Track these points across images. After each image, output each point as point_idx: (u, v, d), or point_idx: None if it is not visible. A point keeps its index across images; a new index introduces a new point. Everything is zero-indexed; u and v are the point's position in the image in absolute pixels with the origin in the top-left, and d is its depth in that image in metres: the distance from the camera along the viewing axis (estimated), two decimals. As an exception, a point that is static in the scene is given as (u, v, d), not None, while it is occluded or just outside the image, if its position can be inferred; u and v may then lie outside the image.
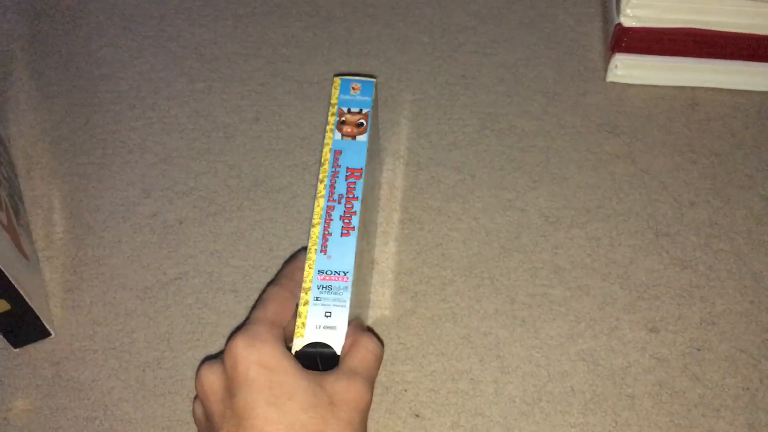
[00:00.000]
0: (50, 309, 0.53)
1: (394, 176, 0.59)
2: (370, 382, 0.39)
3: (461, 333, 0.52)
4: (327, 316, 0.41)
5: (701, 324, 0.52)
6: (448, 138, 0.61)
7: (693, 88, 0.64)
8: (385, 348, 0.51)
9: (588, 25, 0.69)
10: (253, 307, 0.42)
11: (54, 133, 0.62)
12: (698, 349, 0.51)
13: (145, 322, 0.53)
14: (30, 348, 0.52)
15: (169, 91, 0.65)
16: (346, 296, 0.41)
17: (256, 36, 0.68)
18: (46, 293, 0.54)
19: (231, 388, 0.37)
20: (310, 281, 0.42)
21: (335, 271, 0.42)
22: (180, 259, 0.55)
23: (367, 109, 0.49)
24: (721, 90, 0.64)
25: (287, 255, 0.55)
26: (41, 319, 0.50)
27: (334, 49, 0.67)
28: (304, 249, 0.43)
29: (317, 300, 0.41)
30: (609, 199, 0.58)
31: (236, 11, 0.70)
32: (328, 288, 0.42)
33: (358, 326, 0.43)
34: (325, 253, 0.43)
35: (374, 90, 0.49)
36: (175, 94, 0.65)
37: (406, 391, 0.50)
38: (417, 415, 0.49)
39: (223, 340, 0.52)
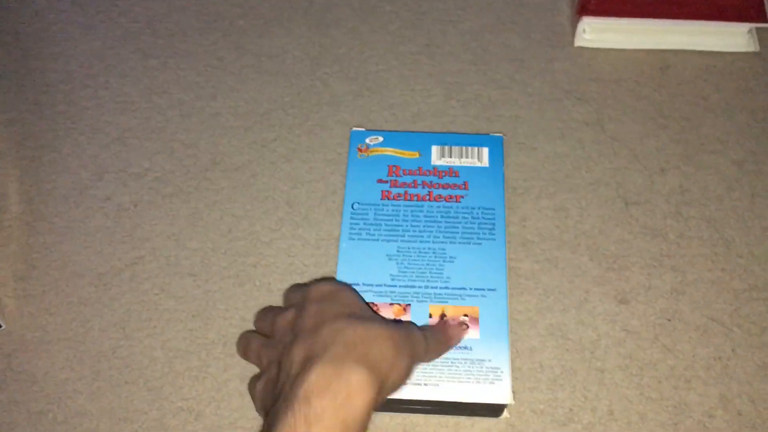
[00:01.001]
0: (0, 299, 0.51)
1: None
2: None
3: (427, 311, 0.50)
4: None
5: (672, 294, 0.51)
6: (412, 109, 0.59)
7: (663, 51, 0.62)
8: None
9: (556, -12, 0.66)
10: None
11: (2, 116, 0.60)
12: (669, 320, 0.50)
13: (100, 310, 0.51)
14: (-20, 341, 0.50)
15: (121, 68, 0.62)
16: None
17: (212, 8, 0.66)
18: (-4, 283, 0.52)
19: (307, 308, 0.41)
20: None
21: None
22: (135, 244, 0.53)
23: None
24: (691, 52, 0.62)
25: (246, 236, 0.53)
26: (-10, 310, 0.48)
27: (294, 19, 0.65)
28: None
29: None
30: (578, 168, 0.56)
31: (191, -17, 0.67)
32: None
33: None
34: None
35: None
36: (128, 71, 0.62)
37: (370, 372, 0.48)
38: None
39: (182, 326, 0.50)
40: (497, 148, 0.53)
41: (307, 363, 0.37)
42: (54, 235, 0.54)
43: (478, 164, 0.52)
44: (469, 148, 0.53)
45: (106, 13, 0.66)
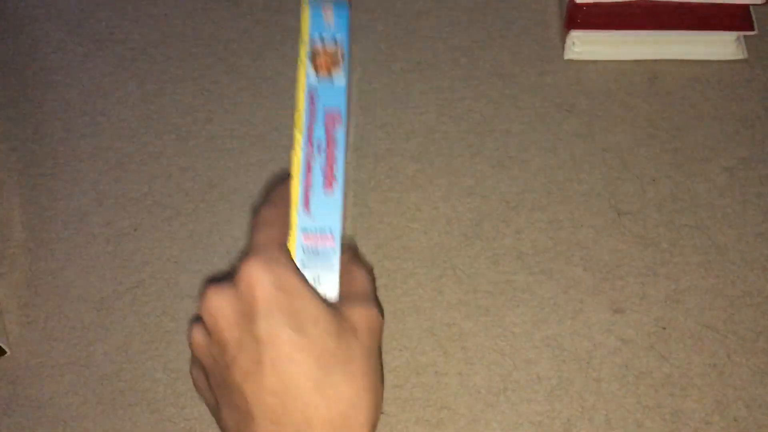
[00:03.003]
0: (5, 326, 0.52)
1: (350, 169, 0.58)
2: (378, 304, 0.37)
3: (424, 326, 0.51)
4: (315, 282, 0.37)
5: (666, 302, 0.51)
6: (405, 127, 0.60)
7: (652, 62, 0.63)
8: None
9: (544, 2, 0.67)
10: (253, 231, 0.38)
11: (2, 146, 0.61)
12: (664, 328, 0.50)
13: (103, 334, 0.52)
14: (-15, 368, 0.51)
15: (119, 95, 0.63)
16: (335, 259, 0.37)
17: (206, 33, 0.67)
18: (0, 310, 0.53)
19: (249, 314, 0.32)
20: (294, 243, 0.37)
21: (320, 230, 0.37)
22: (136, 267, 0.54)
23: (342, 36, 0.41)
24: (680, 61, 0.63)
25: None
26: (-6, 337, 0.49)
27: (287, 42, 0.66)
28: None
29: (304, 266, 0.37)
30: (570, 180, 0.57)
31: (185, 8, 0.68)
32: (314, 253, 0.37)
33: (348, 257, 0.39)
34: (307, 211, 0.38)
35: (349, 14, 0.42)
36: (125, 97, 0.63)
37: (370, 388, 0.49)
38: (381, 413, 0.48)
39: (183, 347, 0.51)
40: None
41: None
42: (56, 261, 0.55)
43: None
44: None
45: (103, 41, 0.67)
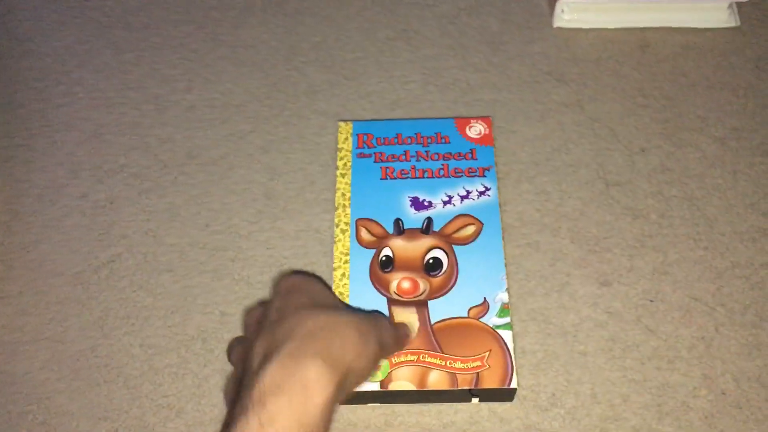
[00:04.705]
0: (-23, 301, 0.51)
1: (334, 141, 0.57)
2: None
3: (408, 299, 0.50)
4: None
5: (654, 274, 0.50)
6: (390, 96, 0.59)
7: (643, 29, 0.62)
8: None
9: (533, -32, 0.65)
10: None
11: (-25, 116, 0.59)
12: (651, 301, 0.49)
13: (78, 309, 0.50)
14: (-43, 344, 0.49)
15: (95, 63, 0.62)
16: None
17: (185, 0, 0.65)
18: (-27, 285, 0.51)
19: (274, 302, 0.40)
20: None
21: None
22: (112, 241, 0.53)
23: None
24: (671, 29, 0.61)
25: (224, 230, 0.53)
26: (-35, 313, 0.48)
27: (268, 9, 0.64)
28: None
29: None
30: (558, 150, 0.56)
31: (163, -25, 0.66)
32: None
33: None
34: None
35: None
36: (102, 66, 0.61)
37: (352, 363, 0.48)
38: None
39: (161, 323, 0.50)
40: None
41: (265, 359, 0.36)
42: (30, 235, 0.53)
43: None
44: None
45: (79, 8, 0.65)
